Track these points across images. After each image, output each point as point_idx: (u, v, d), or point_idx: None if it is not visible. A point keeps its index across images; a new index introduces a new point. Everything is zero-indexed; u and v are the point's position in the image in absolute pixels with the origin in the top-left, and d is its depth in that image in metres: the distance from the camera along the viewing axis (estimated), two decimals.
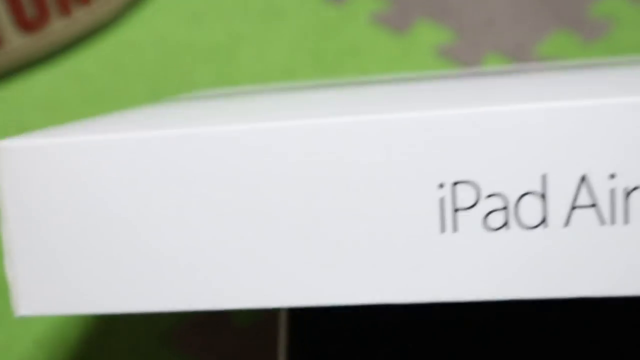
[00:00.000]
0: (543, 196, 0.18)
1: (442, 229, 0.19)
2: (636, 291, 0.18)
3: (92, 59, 0.44)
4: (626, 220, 0.18)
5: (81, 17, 0.44)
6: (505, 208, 0.18)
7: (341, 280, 0.19)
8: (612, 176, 0.18)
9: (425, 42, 0.43)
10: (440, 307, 0.25)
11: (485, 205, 0.18)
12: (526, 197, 0.18)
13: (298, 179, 0.19)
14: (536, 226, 0.18)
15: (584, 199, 0.18)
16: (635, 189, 0.18)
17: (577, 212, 0.18)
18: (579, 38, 0.42)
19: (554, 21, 0.42)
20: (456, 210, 0.18)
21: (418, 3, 0.44)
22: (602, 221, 0.18)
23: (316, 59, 0.43)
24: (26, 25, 0.42)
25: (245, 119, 0.19)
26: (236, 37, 0.44)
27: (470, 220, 0.18)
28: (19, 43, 0.42)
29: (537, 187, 0.18)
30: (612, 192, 0.18)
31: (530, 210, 0.18)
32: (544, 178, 0.18)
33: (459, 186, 0.18)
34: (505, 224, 0.18)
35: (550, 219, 0.18)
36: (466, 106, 0.18)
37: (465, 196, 0.18)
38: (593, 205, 0.18)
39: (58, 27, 0.43)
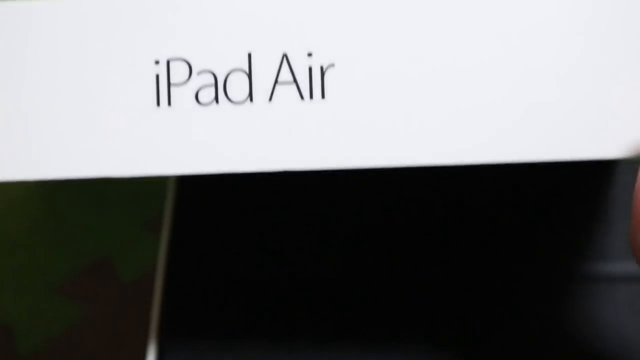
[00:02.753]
0: (249, 73, 0.20)
1: (158, 103, 0.20)
2: (335, 164, 0.20)
3: None
4: (323, 96, 0.19)
5: None
6: (215, 84, 0.20)
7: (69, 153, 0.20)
8: (310, 54, 0.19)
9: None
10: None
11: (196, 82, 0.20)
12: (233, 73, 0.20)
13: None
14: (243, 101, 0.20)
15: (285, 75, 0.20)
16: (330, 66, 0.19)
17: (279, 88, 0.20)
18: None
19: None
20: (170, 85, 0.20)
21: None
22: (301, 97, 0.20)
23: None
24: None
25: None
26: None
27: (183, 95, 0.20)
28: None
29: (244, 65, 0.20)
30: (310, 69, 0.19)
31: (238, 86, 0.20)
32: (249, 56, 0.20)
33: (172, 63, 0.20)
34: (215, 99, 0.20)
35: (255, 95, 0.20)
36: None
37: (179, 72, 0.20)
38: (294, 82, 0.20)
39: None
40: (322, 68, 0.20)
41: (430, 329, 0.26)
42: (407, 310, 0.26)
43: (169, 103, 0.20)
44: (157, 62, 0.20)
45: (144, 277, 0.35)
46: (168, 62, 0.20)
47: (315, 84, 0.20)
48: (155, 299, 0.27)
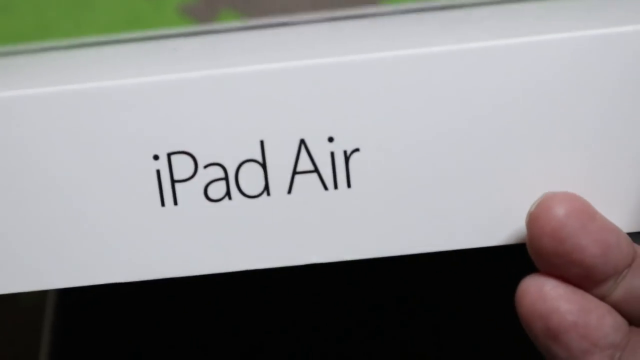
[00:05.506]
0: (263, 164, 0.18)
1: (162, 203, 0.18)
2: (367, 254, 0.18)
3: None
4: (349, 185, 0.18)
5: None
6: (225, 178, 0.18)
7: (76, 261, 0.18)
8: (331, 139, 0.18)
9: None
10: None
11: (204, 176, 0.18)
12: (246, 165, 0.18)
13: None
14: (259, 195, 0.18)
15: (304, 164, 0.18)
16: (354, 151, 0.18)
17: (298, 178, 0.18)
18: None
19: None
20: (174, 182, 0.18)
21: None
22: (325, 186, 0.18)
23: None
24: None
25: None
26: (45, 26, 0.43)
27: (190, 192, 0.18)
28: None
29: (256, 155, 0.18)
30: (332, 155, 0.18)
31: (251, 178, 0.18)
32: (262, 144, 0.18)
33: (174, 157, 0.17)
34: (227, 194, 0.18)
35: (273, 187, 0.18)
36: (177, 71, 0.17)
37: (183, 167, 0.17)
38: (315, 171, 0.18)
39: None
40: (345, 153, 0.18)
41: None
42: None
43: (175, 202, 0.17)
44: (156, 158, 0.17)
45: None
46: (169, 157, 0.17)
47: (339, 172, 0.18)
48: None
